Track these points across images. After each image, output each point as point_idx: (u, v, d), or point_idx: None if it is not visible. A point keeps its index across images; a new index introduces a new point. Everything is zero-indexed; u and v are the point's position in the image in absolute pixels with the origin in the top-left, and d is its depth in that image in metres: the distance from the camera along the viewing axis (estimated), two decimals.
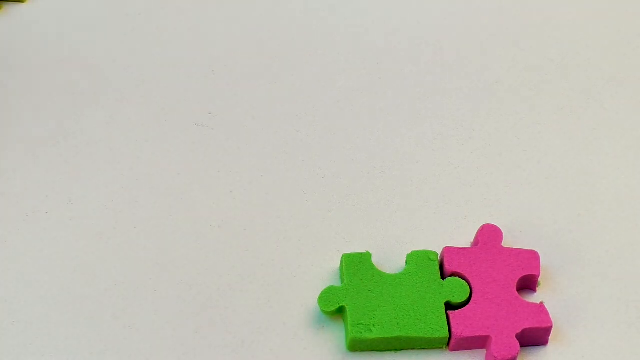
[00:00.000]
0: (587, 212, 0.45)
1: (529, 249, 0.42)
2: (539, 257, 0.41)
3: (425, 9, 0.55)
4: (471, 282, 0.40)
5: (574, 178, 0.47)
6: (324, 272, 0.42)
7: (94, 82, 0.52)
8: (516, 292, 0.40)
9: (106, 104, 0.51)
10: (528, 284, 0.41)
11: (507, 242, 0.43)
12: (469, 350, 0.39)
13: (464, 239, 0.44)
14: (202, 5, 0.55)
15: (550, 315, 0.39)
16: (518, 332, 0.38)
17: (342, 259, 0.42)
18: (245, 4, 0.55)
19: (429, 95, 0.51)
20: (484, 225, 0.43)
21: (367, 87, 0.51)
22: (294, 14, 0.55)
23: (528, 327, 0.38)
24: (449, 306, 0.40)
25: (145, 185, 0.46)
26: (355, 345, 0.39)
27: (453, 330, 0.39)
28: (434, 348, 0.39)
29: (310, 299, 0.41)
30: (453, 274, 0.41)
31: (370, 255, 0.42)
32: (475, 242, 0.43)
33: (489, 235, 0.42)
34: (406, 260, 0.42)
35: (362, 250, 0.42)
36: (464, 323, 0.39)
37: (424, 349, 0.40)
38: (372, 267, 0.41)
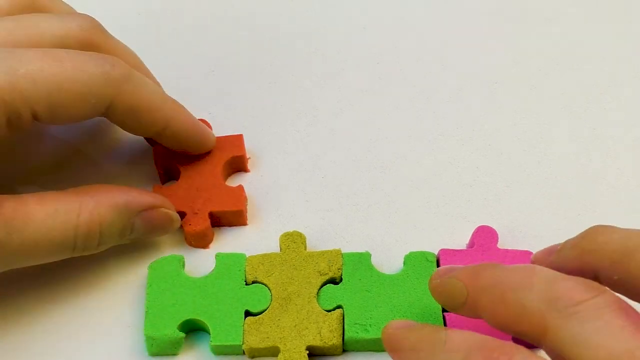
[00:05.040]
0: (586, 213, 0.45)
1: (529, 249, 0.42)
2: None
3: (426, 8, 0.55)
4: None
5: (574, 178, 0.47)
6: None
7: None
8: None
9: None
10: None
11: (507, 243, 0.43)
12: None
13: (464, 240, 0.44)
14: (203, 5, 0.55)
15: None
16: None
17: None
18: (245, 4, 0.55)
19: (429, 95, 0.50)
20: (479, 227, 0.42)
21: (367, 87, 0.51)
22: (294, 13, 0.55)
23: None
24: None
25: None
26: (352, 345, 0.39)
27: None
28: None
29: None
30: None
31: (370, 255, 0.42)
32: (471, 244, 0.43)
33: (484, 236, 0.42)
34: (404, 261, 0.41)
35: (362, 250, 0.42)
36: (460, 325, 0.39)
37: None
38: (371, 267, 0.41)
